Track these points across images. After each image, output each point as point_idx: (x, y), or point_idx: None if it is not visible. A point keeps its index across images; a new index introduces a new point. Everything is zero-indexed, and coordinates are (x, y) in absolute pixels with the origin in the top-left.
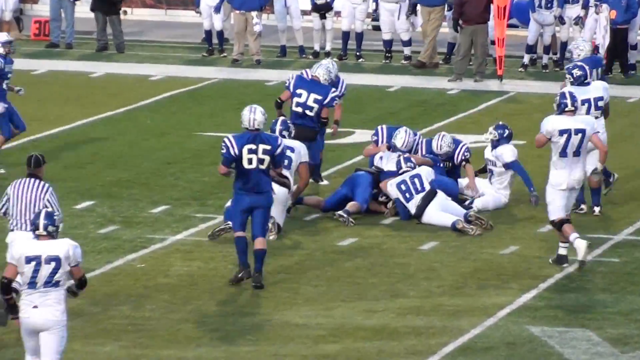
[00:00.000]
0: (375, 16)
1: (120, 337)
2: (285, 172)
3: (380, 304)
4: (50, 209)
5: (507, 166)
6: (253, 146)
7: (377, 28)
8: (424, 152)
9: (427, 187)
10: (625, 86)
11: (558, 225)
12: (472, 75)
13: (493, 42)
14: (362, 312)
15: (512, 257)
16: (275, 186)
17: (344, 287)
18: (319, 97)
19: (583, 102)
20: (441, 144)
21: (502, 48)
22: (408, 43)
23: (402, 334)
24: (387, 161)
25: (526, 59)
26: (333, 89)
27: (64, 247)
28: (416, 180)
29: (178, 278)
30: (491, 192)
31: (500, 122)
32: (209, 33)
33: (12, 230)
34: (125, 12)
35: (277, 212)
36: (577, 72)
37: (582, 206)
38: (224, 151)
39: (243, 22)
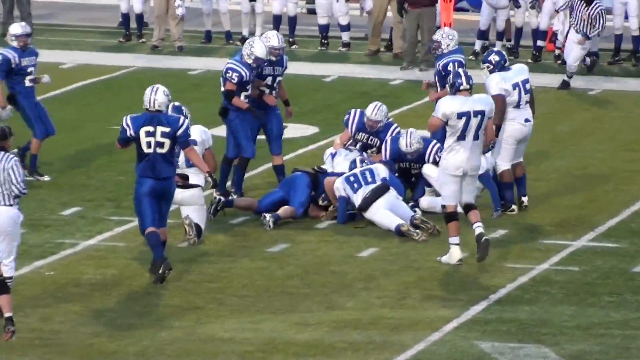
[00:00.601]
0: None
1: (26, 352)
2: (191, 171)
3: (314, 317)
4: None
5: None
6: (150, 128)
7: (312, 11)
8: (387, 155)
9: (379, 181)
10: (586, 77)
11: (448, 217)
12: (417, 64)
13: (439, 28)
14: (294, 326)
15: (460, 265)
16: (180, 191)
17: (274, 297)
18: (223, 71)
19: (514, 86)
20: (411, 141)
21: None
22: (346, 28)
23: (338, 350)
24: (340, 159)
25: (477, 45)
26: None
27: None
28: (367, 172)
29: (90, 287)
30: None
31: None
32: (126, 16)
33: None
34: None
35: (194, 213)
36: (495, 58)
37: (514, 207)
38: (121, 131)
39: (164, 5)
